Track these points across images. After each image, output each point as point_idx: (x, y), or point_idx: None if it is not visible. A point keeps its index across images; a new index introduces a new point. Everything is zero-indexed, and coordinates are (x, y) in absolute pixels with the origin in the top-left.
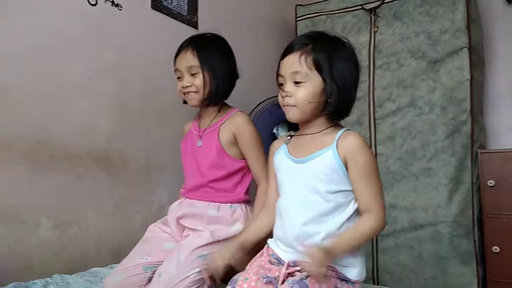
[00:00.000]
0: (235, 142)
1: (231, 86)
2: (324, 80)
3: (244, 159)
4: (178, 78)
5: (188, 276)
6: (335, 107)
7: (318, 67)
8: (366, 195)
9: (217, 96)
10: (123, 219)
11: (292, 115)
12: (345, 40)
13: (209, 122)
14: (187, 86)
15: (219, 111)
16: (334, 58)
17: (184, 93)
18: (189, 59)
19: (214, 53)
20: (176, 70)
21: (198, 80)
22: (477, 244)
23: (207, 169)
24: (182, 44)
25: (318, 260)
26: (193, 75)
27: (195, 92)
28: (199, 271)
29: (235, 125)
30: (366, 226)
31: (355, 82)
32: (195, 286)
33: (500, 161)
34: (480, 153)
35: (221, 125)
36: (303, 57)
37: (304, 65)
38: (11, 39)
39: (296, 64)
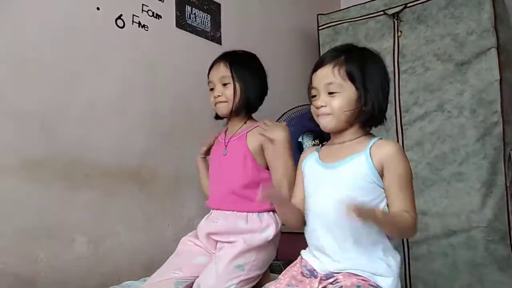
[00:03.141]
0: (261, 151)
1: (260, 100)
2: (357, 89)
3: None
4: (211, 89)
5: None
6: (370, 115)
7: (351, 77)
8: (402, 203)
9: (246, 107)
10: (154, 233)
11: (327, 123)
12: (375, 51)
13: (235, 131)
14: (218, 96)
15: (245, 122)
16: (366, 68)
17: (215, 104)
18: (222, 70)
19: (245, 66)
20: (209, 82)
21: (229, 91)
22: None
23: (232, 176)
24: (215, 59)
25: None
26: (224, 85)
27: (225, 102)
28: (238, 283)
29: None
30: (408, 218)
31: (387, 90)
32: None
33: None
34: None
35: (248, 132)
36: (336, 68)
37: (338, 76)
38: (47, 65)
39: (330, 76)
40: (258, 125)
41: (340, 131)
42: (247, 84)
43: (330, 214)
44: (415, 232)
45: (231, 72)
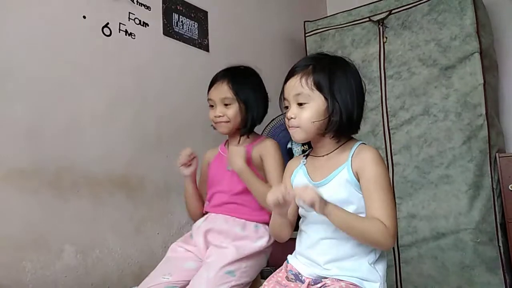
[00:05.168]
0: (262, 164)
1: (263, 115)
2: (326, 99)
3: None
4: (211, 106)
5: None
6: (339, 125)
7: (319, 87)
8: (378, 207)
9: (248, 126)
10: (143, 241)
11: (297, 135)
12: (347, 59)
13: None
14: (219, 116)
15: (248, 137)
16: (335, 77)
17: (216, 122)
18: (224, 91)
19: (247, 86)
20: (209, 99)
21: (231, 111)
22: (502, 251)
23: (235, 188)
24: (217, 76)
25: (311, 193)
26: (226, 105)
27: (227, 122)
28: None
29: (264, 147)
30: (375, 225)
31: (358, 99)
32: None
33: None
34: (499, 157)
35: (253, 147)
36: (304, 79)
37: (306, 87)
38: (33, 75)
39: (298, 87)
40: (261, 139)
41: (318, 142)
42: (249, 104)
43: (324, 227)
44: (391, 242)
45: (234, 94)
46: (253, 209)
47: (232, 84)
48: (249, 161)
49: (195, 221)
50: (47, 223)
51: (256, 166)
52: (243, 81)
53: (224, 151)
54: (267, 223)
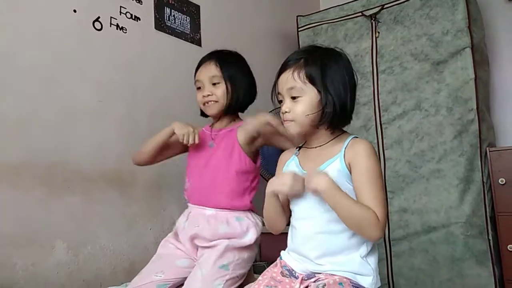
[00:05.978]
0: (253, 140)
1: (251, 99)
2: (318, 91)
3: (256, 162)
4: (198, 88)
5: None
6: (332, 117)
7: (311, 80)
8: (369, 199)
9: (236, 106)
10: (135, 237)
11: (292, 129)
12: (339, 50)
13: (223, 126)
14: (208, 95)
15: (234, 120)
16: (327, 69)
17: (204, 103)
18: (212, 69)
19: (235, 65)
20: (196, 81)
21: (219, 90)
22: (491, 244)
23: (218, 167)
24: (204, 57)
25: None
26: (214, 85)
27: (215, 101)
28: (225, 282)
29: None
30: (367, 212)
31: (350, 90)
32: None
33: (510, 158)
34: (490, 151)
35: (238, 127)
36: (296, 73)
37: (298, 80)
38: (23, 69)
39: (291, 80)
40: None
41: (312, 134)
42: (237, 84)
43: (314, 222)
44: (379, 234)
45: (222, 72)
46: (236, 194)
47: (219, 63)
48: (235, 142)
49: None
50: (39, 220)
51: (244, 141)
52: (229, 61)
53: (208, 129)
54: (249, 210)
